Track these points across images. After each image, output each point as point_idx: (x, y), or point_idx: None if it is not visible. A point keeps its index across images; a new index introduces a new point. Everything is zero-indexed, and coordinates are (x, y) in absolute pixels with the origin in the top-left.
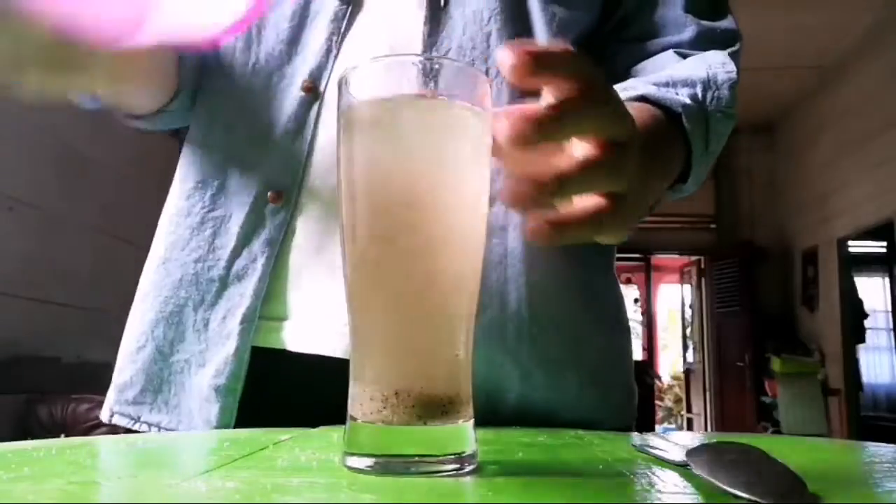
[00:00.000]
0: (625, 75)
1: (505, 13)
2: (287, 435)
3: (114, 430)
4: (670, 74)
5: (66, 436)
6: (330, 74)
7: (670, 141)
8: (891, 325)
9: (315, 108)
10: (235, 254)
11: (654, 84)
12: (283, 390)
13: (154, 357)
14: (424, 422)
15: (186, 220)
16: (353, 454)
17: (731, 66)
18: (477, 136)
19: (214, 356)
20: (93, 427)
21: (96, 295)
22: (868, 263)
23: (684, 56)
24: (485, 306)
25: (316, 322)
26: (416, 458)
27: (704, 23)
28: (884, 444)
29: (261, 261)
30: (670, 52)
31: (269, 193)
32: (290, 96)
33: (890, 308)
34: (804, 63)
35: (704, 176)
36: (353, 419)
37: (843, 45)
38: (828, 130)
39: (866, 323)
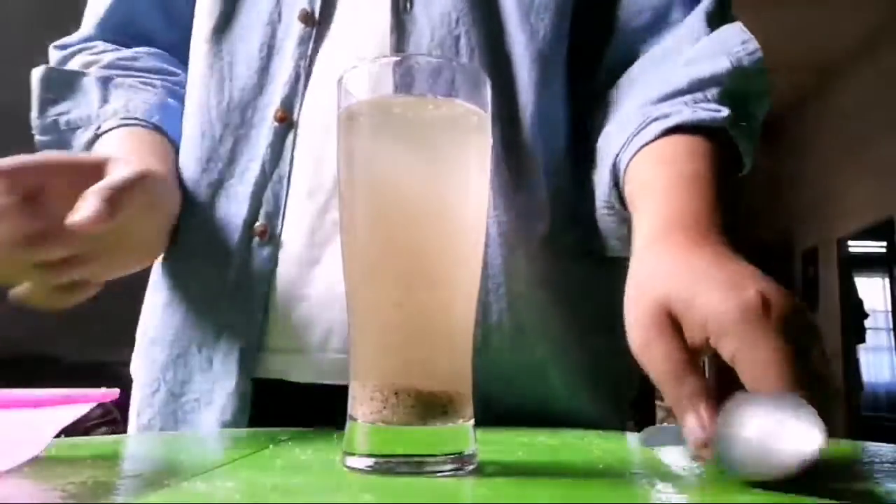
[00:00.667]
0: (628, 60)
1: (473, 12)
2: (287, 435)
3: (113, 430)
4: (693, 74)
5: (66, 436)
6: (302, 101)
7: (718, 168)
8: (891, 325)
9: (290, 136)
10: (231, 292)
11: (681, 93)
12: (287, 419)
13: (167, 399)
14: (424, 422)
15: (180, 261)
16: (353, 454)
17: (753, 44)
18: (477, 135)
19: (219, 393)
20: (92, 427)
21: (96, 295)
22: (868, 263)
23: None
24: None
25: (308, 351)
26: (416, 458)
27: None
28: (884, 444)
29: (254, 297)
30: (680, 29)
31: (255, 227)
32: (265, 128)
33: (890, 308)
34: (804, 63)
35: (753, 149)
36: (353, 419)
37: (843, 45)
38: (828, 130)
39: (866, 323)
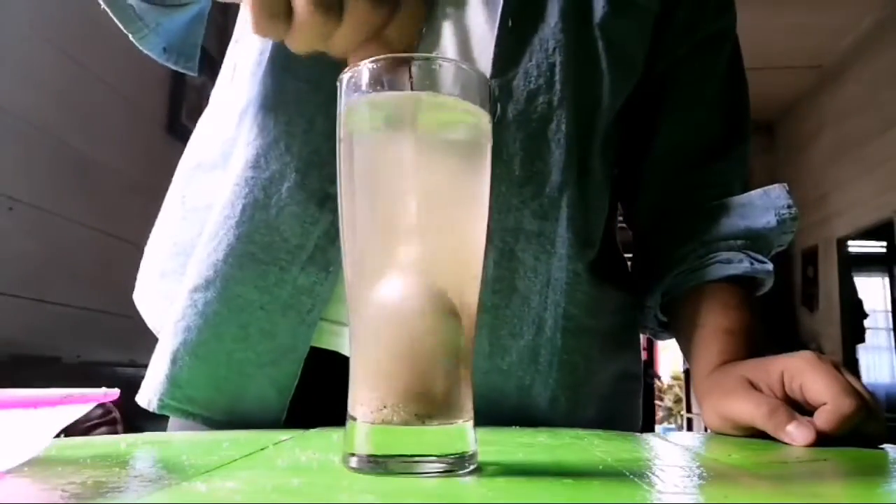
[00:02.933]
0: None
1: (569, 46)
2: (287, 435)
3: (113, 430)
4: (749, 224)
5: (66, 436)
6: None
7: (755, 311)
8: (891, 325)
9: None
10: (313, 258)
11: (736, 238)
12: (333, 390)
13: (217, 352)
14: (424, 422)
15: (263, 212)
16: (353, 454)
17: (793, 207)
18: (477, 135)
19: (276, 355)
20: (92, 427)
21: (96, 295)
22: (868, 263)
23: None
24: (522, 331)
25: None
26: (416, 458)
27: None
28: (884, 444)
29: (333, 267)
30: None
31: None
32: None
33: (890, 308)
34: (804, 63)
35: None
36: (353, 419)
37: (843, 45)
38: (828, 130)
39: (866, 323)
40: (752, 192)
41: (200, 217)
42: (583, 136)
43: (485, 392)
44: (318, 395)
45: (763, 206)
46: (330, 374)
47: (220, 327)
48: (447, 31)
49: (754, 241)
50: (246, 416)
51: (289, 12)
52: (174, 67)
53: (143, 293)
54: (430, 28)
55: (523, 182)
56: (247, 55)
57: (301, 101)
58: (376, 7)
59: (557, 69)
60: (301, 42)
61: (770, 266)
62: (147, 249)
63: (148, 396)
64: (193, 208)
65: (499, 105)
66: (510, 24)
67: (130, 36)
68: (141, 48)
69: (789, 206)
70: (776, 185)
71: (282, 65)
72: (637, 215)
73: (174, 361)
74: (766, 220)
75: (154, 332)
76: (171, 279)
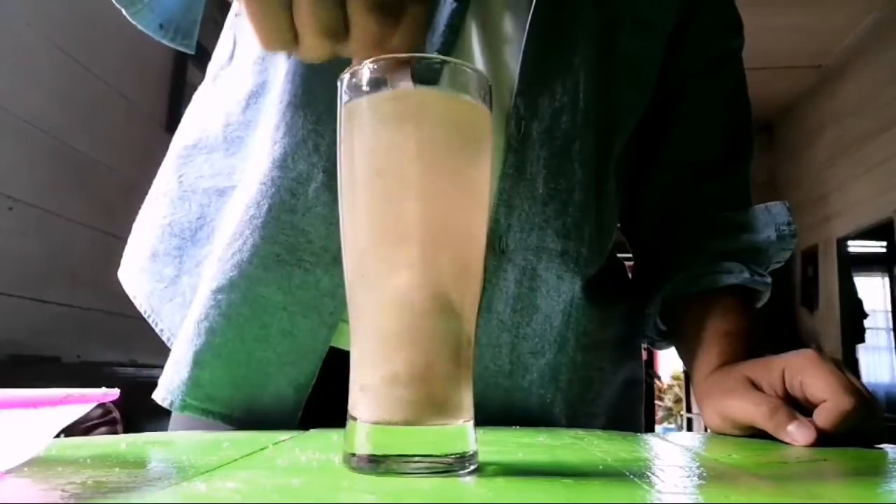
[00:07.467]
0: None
1: (592, 64)
2: (287, 435)
3: (113, 430)
4: (751, 239)
5: (66, 436)
6: None
7: (754, 316)
8: (891, 325)
9: None
10: (337, 261)
11: (740, 253)
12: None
13: (238, 352)
14: (424, 422)
15: (289, 213)
16: (353, 454)
17: (794, 225)
18: (477, 131)
19: (295, 355)
20: (92, 427)
21: (96, 295)
22: (868, 263)
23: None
24: (544, 350)
25: None
26: (416, 458)
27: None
28: (884, 444)
29: None
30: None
31: None
32: None
33: (890, 308)
34: (804, 63)
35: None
36: (353, 419)
37: (843, 45)
38: (827, 130)
39: (866, 323)
40: (754, 208)
41: (199, 199)
42: (602, 155)
43: (508, 410)
44: (334, 395)
45: (764, 221)
46: (346, 374)
47: (242, 327)
48: (475, 49)
49: (755, 254)
50: (263, 415)
51: (296, 37)
52: (171, 45)
53: (131, 272)
54: (456, 46)
55: (546, 201)
56: (251, 35)
57: (331, 100)
58: (381, 23)
59: (581, 87)
60: (308, 59)
61: (769, 279)
62: (136, 227)
63: (168, 396)
64: (192, 189)
65: (523, 123)
66: (537, 41)
67: (123, 11)
68: (135, 23)
69: (789, 224)
70: (777, 203)
71: (309, 63)
72: (639, 226)
73: (197, 362)
74: (767, 234)
75: (142, 312)
76: (164, 261)
